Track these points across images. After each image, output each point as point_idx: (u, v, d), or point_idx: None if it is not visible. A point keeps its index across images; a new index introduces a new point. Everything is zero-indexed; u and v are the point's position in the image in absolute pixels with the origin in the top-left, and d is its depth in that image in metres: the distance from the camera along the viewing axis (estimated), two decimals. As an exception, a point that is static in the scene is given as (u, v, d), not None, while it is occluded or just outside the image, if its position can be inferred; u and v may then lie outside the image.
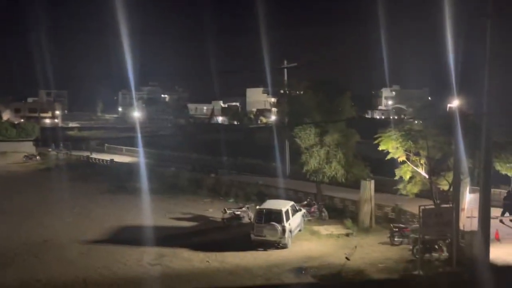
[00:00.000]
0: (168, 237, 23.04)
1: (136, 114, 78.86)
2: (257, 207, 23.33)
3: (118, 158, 51.83)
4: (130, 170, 41.33)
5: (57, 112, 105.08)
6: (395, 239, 21.67)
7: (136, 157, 51.56)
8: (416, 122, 23.55)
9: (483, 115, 15.39)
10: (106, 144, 62.12)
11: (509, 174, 22.68)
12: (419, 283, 17.23)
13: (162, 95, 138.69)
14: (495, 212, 21.19)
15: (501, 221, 23.07)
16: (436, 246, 19.31)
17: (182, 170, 40.61)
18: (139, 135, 54.14)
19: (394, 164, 23.38)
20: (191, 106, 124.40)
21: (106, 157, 52.74)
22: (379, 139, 23.04)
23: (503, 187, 27.62)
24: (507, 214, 23.64)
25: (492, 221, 18.34)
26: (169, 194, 33.31)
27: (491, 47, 15.01)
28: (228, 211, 25.75)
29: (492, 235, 18.77)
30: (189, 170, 41.00)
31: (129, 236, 23.41)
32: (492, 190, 19.47)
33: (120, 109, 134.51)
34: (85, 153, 55.67)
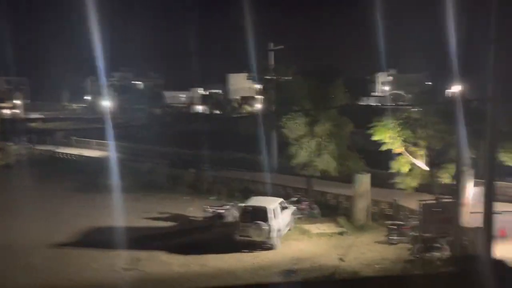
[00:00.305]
0: (144, 239, 22.98)
1: (107, 103, 78.16)
2: (242, 204, 23.36)
3: (87, 153, 51.44)
4: (101, 166, 40.98)
5: (18, 102, 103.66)
6: (393, 237, 21.86)
7: (108, 151, 51.17)
8: (415, 109, 23.71)
9: (488, 100, 15.50)
10: (74, 137, 61.59)
11: (515, 165, 23.00)
12: (416, 282, 17.42)
13: (135, 82, 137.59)
14: (501, 207, 21.46)
15: None
16: (437, 245, 19.53)
17: (159, 165, 40.45)
18: (110, 126, 53.68)
19: (391, 156, 23.52)
20: (168, 94, 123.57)
21: (74, 151, 52.27)
22: (375, 128, 23.14)
23: (509, 180, 28.01)
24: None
25: (501, 217, 18.55)
26: (145, 192, 33.19)
27: (497, 24, 15.08)
28: (210, 210, 25.73)
29: (498, 232, 19.02)
30: (169, 166, 40.82)
31: (101, 239, 23.28)
32: (498, 183, 19.71)
33: (88, 97, 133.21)
34: (51, 147, 55.11)
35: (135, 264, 19.88)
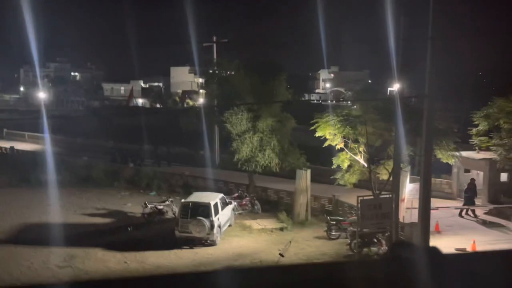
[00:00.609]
0: (80, 236, 22.40)
1: (42, 94, 75.56)
2: (182, 200, 23.18)
3: (20, 146, 49.57)
4: (34, 160, 39.55)
5: None
6: (332, 232, 22.27)
7: (42, 144, 49.46)
8: (355, 106, 24.19)
9: (425, 98, 16.06)
10: (5, 129, 59.15)
11: (450, 162, 23.92)
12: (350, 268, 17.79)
13: (73, 73, 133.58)
14: (436, 202, 22.33)
15: (460, 214, 24.53)
16: (375, 240, 20.08)
17: (97, 160, 39.48)
18: (45, 118, 51.87)
19: (332, 152, 23.92)
20: (107, 86, 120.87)
21: (5, 144, 50.27)
22: (316, 124, 23.47)
23: (444, 177, 29.20)
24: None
25: (433, 212, 19.29)
26: (81, 188, 32.34)
27: (433, 23, 15.61)
28: (149, 206, 25.38)
29: (432, 227, 19.79)
30: (107, 160, 39.88)
31: (34, 236, 22.49)
32: (433, 179, 20.48)
33: (21, 88, 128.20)
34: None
35: (70, 261, 19.35)
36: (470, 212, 24.81)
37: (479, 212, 25.17)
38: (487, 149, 25.52)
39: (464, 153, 27.15)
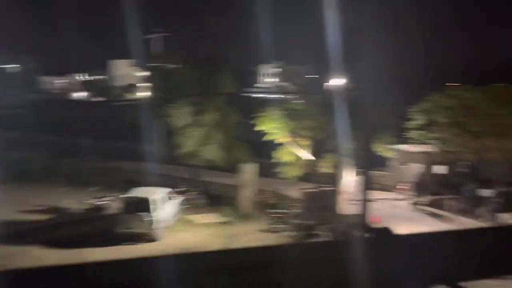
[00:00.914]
0: (17, 234, 21.67)
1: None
2: (124, 195, 22.86)
3: None
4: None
5: None
6: (276, 225, 22.55)
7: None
8: (298, 100, 24.57)
9: (363, 92, 16.50)
10: None
11: (388, 155, 24.75)
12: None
13: (6, 66, 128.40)
14: (376, 195, 23.01)
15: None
16: (318, 232, 20.49)
17: (35, 154, 38.20)
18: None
19: (276, 146, 24.18)
20: (44, 79, 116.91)
21: None
22: (260, 119, 23.67)
23: (383, 170, 30.08)
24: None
25: (374, 204, 19.87)
26: (18, 183, 31.21)
27: (371, 20, 16.02)
28: (90, 202, 24.88)
29: (373, 218, 20.37)
30: (46, 155, 38.61)
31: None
32: (373, 172, 21.09)
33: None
34: None
35: (5, 260, 18.69)
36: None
37: (414, 203, 26.18)
38: (423, 142, 26.46)
39: (402, 146, 28.18)
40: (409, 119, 26.11)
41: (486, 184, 25.45)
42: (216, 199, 27.66)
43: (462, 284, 5.19)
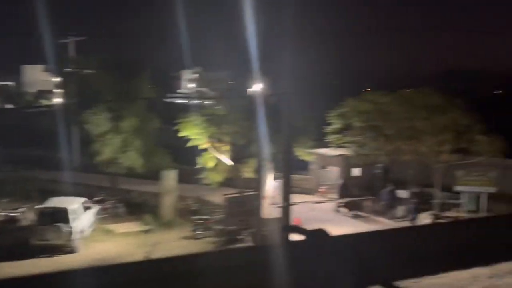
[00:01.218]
0: None
1: None
2: (40, 206, 21.94)
3: None
4: None
5: None
6: (199, 232, 22.50)
7: None
8: (219, 106, 24.66)
9: (283, 96, 16.77)
10: None
11: (308, 159, 25.35)
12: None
13: None
14: (297, 198, 23.45)
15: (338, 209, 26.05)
16: (241, 237, 20.62)
17: None
18: None
19: (198, 152, 24.14)
20: None
21: None
22: (181, 124, 23.54)
23: (304, 173, 30.77)
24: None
25: (296, 207, 20.27)
26: None
27: (291, 24, 16.32)
28: (2, 213, 23.69)
29: (294, 221, 20.75)
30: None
31: None
32: (294, 176, 21.50)
33: None
34: None
35: None
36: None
37: (336, 205, 27.00)
38: (341, 146, 27.32)
39: (321, 150, 29.00)
40: (329, 124, 26.85)
41: (401, 185, 26.71)
42: (137, 207, 27.14)
43: (398, 283, 5.36)
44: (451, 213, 25.12)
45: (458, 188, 24.08)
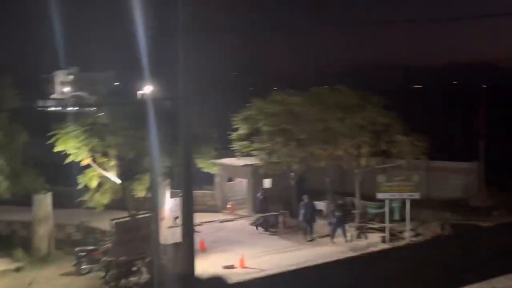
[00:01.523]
0: None
1: None
2: None
3: None
4: None
5: None
6: (83, 266, 21.68)
7: None
8: (102, 113, 23.67)
9: (179, 99, 16.28)
10: None
11: (212, 171, 24.98)
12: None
13: None
14: (200, 217, 23.01)
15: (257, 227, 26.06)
16: (134, 268, 19.90)
17: None
18: None
19: (78, 169, 23.11)
20: None
21: None
22: (55, 137, 22.39)
23: (208, 188, 30.43)
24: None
25: (197, 228, 19.82)
26: None
27: (188, 19, 15.96)
28: None
29: (198, 245, 20.37)
30: None
31: None
32: (196, 192, 21.06)
33: None
34: None
35: None
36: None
37: (246, 222, 26.91)
38: (249, 154, 27.17)
39: (226, 160, 28.75)
40: (234, 129, 26.63)
41: (319, 195, 27.08)
42: (3, 241, 25.72)
43: None
44: (374, 225, 25.83)
45: (380, 195, 24.55)
